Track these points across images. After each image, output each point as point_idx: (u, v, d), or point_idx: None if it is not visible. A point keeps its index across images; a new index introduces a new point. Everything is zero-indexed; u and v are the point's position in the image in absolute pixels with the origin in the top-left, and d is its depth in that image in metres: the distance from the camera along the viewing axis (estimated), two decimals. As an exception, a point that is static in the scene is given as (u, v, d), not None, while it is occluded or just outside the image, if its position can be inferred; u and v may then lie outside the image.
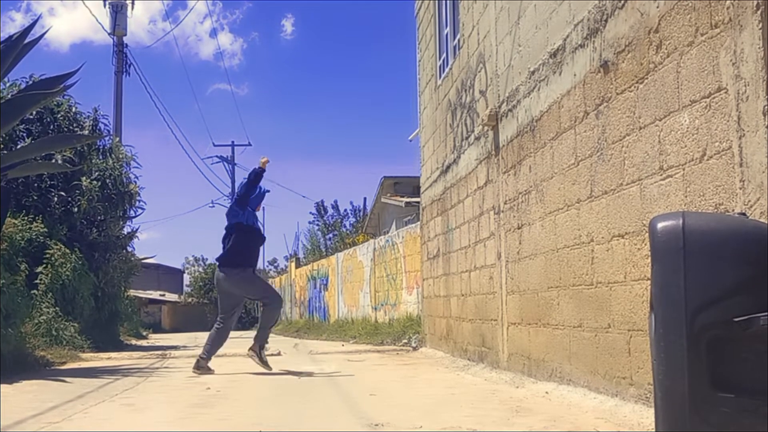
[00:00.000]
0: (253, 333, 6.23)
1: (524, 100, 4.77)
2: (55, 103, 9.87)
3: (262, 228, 6.07)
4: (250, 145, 46.71)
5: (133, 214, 11.44)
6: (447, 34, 7.59)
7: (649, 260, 2.02)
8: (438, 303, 7.69)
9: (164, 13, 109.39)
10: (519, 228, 4.87)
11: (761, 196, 2.32)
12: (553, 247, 4.22)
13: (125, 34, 18.63)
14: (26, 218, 8.78)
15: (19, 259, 7.55)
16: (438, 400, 3.98)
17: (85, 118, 10.67)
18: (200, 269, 39.99)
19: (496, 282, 5.41)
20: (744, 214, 2.19)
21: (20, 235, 8.30)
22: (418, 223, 9.92)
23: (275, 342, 12.97)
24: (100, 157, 10.62)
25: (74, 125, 10.26)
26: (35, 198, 9.52)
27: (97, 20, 49.45)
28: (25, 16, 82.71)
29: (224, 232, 5.91)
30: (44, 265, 8.69)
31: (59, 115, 10.07)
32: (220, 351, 6.02)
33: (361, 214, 27.92)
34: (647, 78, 3.10)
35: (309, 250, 27.58)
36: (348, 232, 27.62)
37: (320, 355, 8.19)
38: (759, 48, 2.34)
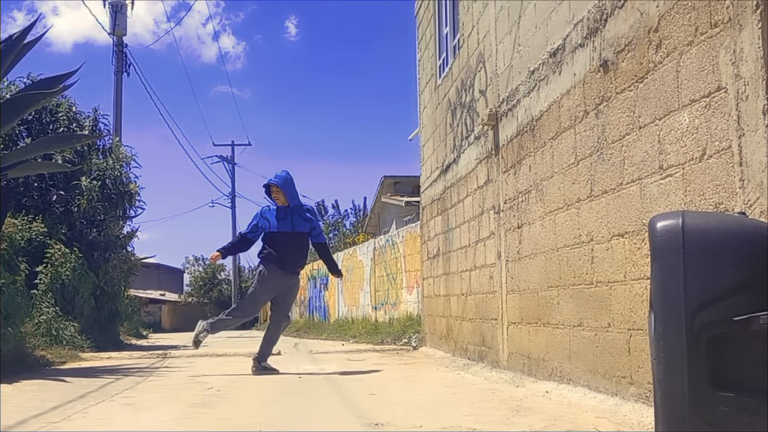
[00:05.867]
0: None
1: (524, 100, 4.77)
2: (54, 102, 9.87)
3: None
4: (250, 144, 46.85)
5: (133, 214, 11.43)
6: (447, 34, 7.59)
7: (648, 259, 2.02)
8: (438, 302, 7.69)
9: (166, 13, 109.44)
10: (519, 227, 4.87)
11: (761, 196, 2.32)
12: (553, 247, 4.22)
13: (125, 34, 18.64)
14: (26, 218, 8.78)
15: (19, 259, 7.55)
16: (438, 399, 3.98)
17: (84, 117, 10.66)
18: (200, 269, 40.04)
19: (496, 281, 5.41)
20: (744, 213, 2.19)
21: (20, 234, 8.30)
22: (418, 222, 9.93)
23: (275, 342, 12.97)
24: (100, 157, 10.62)
25: (74, 125, 10.26)
26: (35, 198, 9.52)
27: (96, 20, 49.47)
28: (27, 16, 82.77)
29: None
30: (44, 265, 8.69)
31: (59, 115, 10.07)
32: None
33: (362, 213, 27.94)
34: (647, 77, 3.10)
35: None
36: (348, 231, 27.64)
37: (320, 355, 8.19)
38: (758, 47, 2.34)
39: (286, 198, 5.83)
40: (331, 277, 18.41)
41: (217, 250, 6.12)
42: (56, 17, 74.36)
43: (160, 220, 75.85)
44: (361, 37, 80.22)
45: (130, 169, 11.19)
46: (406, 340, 9.53)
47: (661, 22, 2.98)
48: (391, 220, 18.61)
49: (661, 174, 2.98)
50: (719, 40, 2.57)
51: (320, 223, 6.01)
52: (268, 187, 5.89)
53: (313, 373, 5.61)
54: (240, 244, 6.13)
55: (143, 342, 14.06)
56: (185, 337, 17.36)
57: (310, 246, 6.12)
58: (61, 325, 8.19)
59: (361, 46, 79.46)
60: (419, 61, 8.93)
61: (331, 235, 28.26)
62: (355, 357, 7.63)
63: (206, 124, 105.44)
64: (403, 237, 12.66)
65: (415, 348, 8.63)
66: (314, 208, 6.09)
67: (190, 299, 38.72)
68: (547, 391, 3.96)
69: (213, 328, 5.88)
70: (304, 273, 22.47)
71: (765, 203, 2.30)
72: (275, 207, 5.88)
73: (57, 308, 8.42)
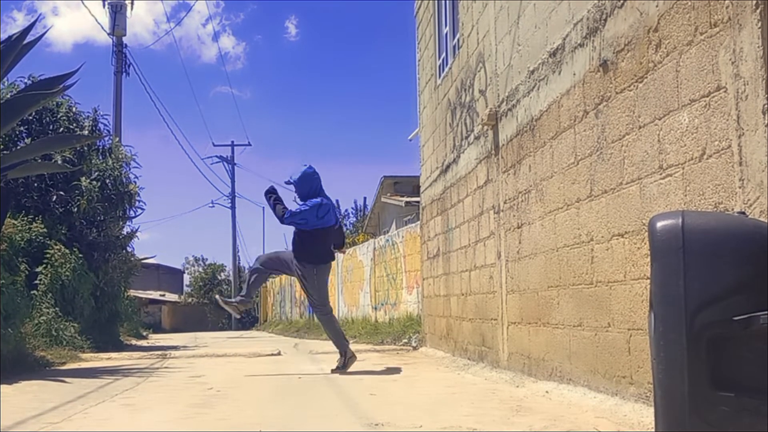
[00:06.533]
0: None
1: (524, 100, 4.77)
2: (54, 103, 9.87)
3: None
4: (249, 145, 46.81)
5: (133, 214, 11.42)
6: (446, 34, 7.59)
7: (648, 259, 2.02)
8: (438, 302, 7.69)
9: (166, 14, 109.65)
10: (519, 227, 4.87)
11: (761, 195, 2.32)
12: (552, 247, 4.22)
13: (124, 34, 18.65)
14: (26, 218, 8.78)
15: (19, 260, 7.55)
16: (438, 399, 3.98)
17: (84, 118, 10.66)
18: (200, 269, 40.04)
19: (496, 281, 5.41)
20: (743, 213, 2.19)
21: (20, 235, 8.30)
22: (418, 222, 9.92)
23: (275, 342, 12.99)
24: (100, 158, 10.61)
25: (74, 125, 10.26)
26: (35, 198, 9.52)
27: (96, 20, 49.47)
28: (26, 16, 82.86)
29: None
30: (44, 266, 8.68)
31: (59, 116, 10.07)
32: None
33: (362, 213, 27.96)
34: (647, 77, 3.10)
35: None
36: (348, 231, 27.63)
37: (320, 355, 8.19)
38: (758, 47, 2.34)
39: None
40: (330, 277, 18.40)
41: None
42: (56, 17, 74.50)
43: (160, 221, 75.76)
44: (361, 37, 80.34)
45: (129, 170, 11.19)
46: (406, 341, 9.52)
47: (660, 21, 2.98)
48: (391, 220, 18.61)
49: (660, 174, 2.98)
50: (719, 39, 2.57)
51: (302, 208, 5.67)
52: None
53: (313, 373, 5.61)
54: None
55: (143, 342, 14.06)
56: (185, 338, 17.39)
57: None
58: (61, 326, 8.19)
59: (361, 46, 79.58)
60: (419, 61, 8.93)
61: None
62: (355, 357, 7.61)
63: (206, 125, 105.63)
64: (403, 237, 12.65)
65: (415, 348, 8.63)
66: (316, 202, 5.73)
67: (190, 300, 38.70)
68: (547, 391, 3.96)
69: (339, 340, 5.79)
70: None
71: (765, 203, 2.30)
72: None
73: (57, 309, 8.41)
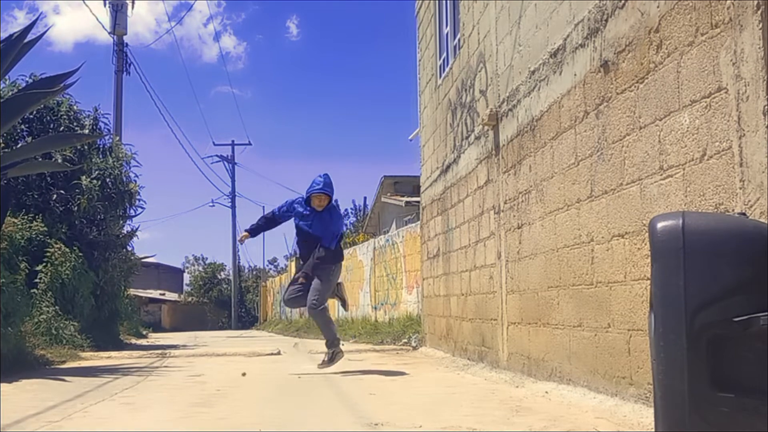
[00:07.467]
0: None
1: (524, 100, 4.77)
2: (55, 102, 9.87)
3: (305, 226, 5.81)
4: (250, 144, 46.81)
5: (133, 213, 11.41)
6: (447, 34, 7.60)
7: (649, 260, 2.02)
8: (438, 302, 7.69)
9: (167, 13, 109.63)
10: (519, 227, 4.87)
11: (761, 196, 2.32)
12: (553, 247, 4.22)
13: (125, 33, 18.62)
14: (26, 217, 8.78)
15: (19, 258, 7.55)
16: (438, 399, 3.98)
17: (85, 117, 10.65)
18: (200, 268, 40.07)
19: (496, 281, 5.42)
20: (744, 213, 2.19)
21: (20, 234, 8.30)
22: (418, 222, 9.93)
23: (275, 342, 12.99)
24: (100, 156, 10.60)
25: (74, 124, 10.25)
26: (35, 197, 9.52)
27: (97, 19, 49.48)
28: (27, 15, 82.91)
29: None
30: (44, 264, 8.68)
31: (60, 114, 10.07)
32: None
33: (362, 213, 27.95)
34: (647, 78, 3.10)
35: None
36: (348, 231, 27.63)
37: (320, 355, 8.15)
38: (759, 48, 2.34)
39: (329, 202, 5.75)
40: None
41: (246, 230, 6.26)
42: (57, 16, 74.61)
43: (160, 220, 75.92)
44: (361, 37, 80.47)
45: (130, 168, 11.17)
46: (405, 340, 9.53)
47: (661, 22, 2.98)
48: (391, 220, 18.60)
49: (661, 174, 2.98)
50: (720, 40, 2.57)
51: (337, 231, 5.81)
52: (309, 197, 5.70)
53: (313, 373, 5.61)
54: (268, 223, 6.13)
55: (143, 341, 14.06)
56: (185, 337, 17.40)
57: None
58: (61, 325, 8.19)
59: (362, 46, 79.72)
60: (419, 61, 8.93)
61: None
62: (354, 357, 7.62)
63: (207, 124, 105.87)
64: (403, 237, 12.66)
65: (414, 348, 8.63)
66: (341, 218, 5.89)
67: (189, 299, 38.74)
68: (546, 392, 3.96)
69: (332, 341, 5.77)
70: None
71: (765, 204, 2.30)
72: (304, 203, 5.78)
73: (57, 307, 8.41)
